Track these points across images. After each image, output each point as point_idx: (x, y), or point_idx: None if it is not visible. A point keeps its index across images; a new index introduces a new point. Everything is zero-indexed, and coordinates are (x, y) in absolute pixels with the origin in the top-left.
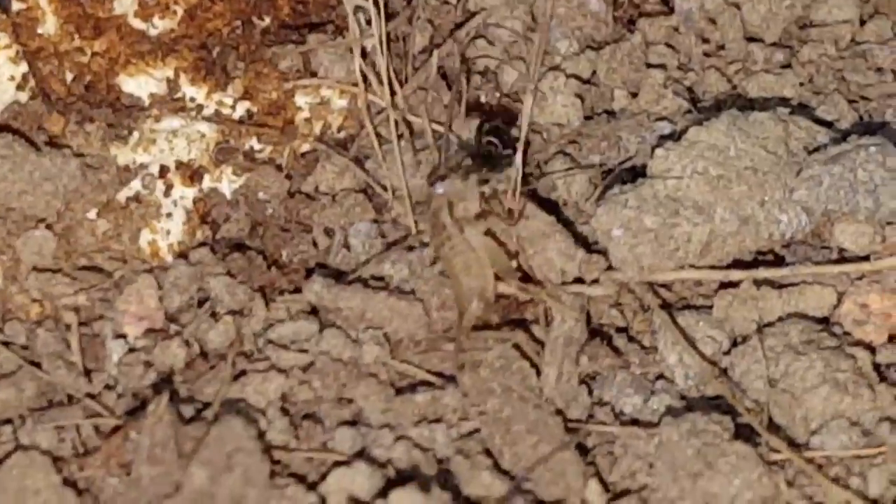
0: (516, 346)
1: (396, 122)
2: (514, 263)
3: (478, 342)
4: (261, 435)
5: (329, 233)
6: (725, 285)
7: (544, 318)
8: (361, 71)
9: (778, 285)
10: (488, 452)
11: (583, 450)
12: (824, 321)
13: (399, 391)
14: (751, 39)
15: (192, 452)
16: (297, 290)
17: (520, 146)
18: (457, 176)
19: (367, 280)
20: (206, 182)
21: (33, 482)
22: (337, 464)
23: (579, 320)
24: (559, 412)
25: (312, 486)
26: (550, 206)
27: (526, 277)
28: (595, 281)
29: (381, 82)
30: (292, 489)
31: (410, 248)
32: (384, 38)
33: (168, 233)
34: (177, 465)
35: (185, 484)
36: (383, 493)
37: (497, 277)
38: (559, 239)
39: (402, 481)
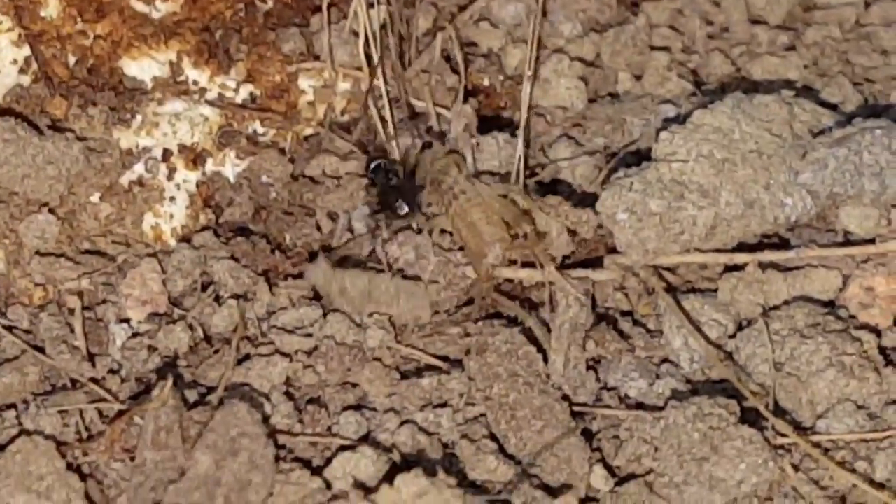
0: (523, 331)
1: (398, 105)
2: (527, 218)
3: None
4: (265, 419)
5: (333, 216)
6: (730, 269)
7: (549, 303)
8: (366, 53)
9: (783, 269)
10: (494, 437)
11: (588, 434)
12: (830, 304)
13: (404, 375)
14: (755, 22)
15: (197, 437)
16: (301, 275)
17: (520, 131)
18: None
19: (368, 263)
20: (210, 166)
21: (37, 467)
22: (342, 448)
23: (585, 305)
24: (565, 397)
25: (317, 471)
26: (554, 190)
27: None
28: (599, 264)
29: (384, 65)
30: (297, 473)
31: (419, 231)
32: (388, 21)
33: (171, 216)
34: (181, 449)
35: (190, 469)
36: (388, 477)
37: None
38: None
39: (407, 466)
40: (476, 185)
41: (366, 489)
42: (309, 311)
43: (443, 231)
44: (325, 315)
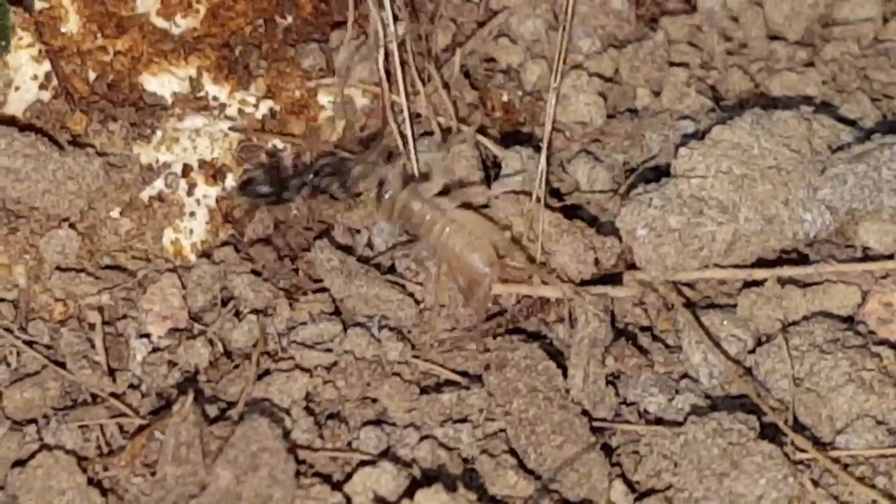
0: (542, 346)
1: (418, 120)
2: (507, 234)
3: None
4: (286, 434)
5: (352, 232)
6: (749, 284)
7: (569, 319)
8: (385, 70)
9: (802, 284)
10: (513, 452)
11: (607, 449)
12: (849, 320)
13: (424, 391)
14: (773, 38)
15: (218, 452)
16: (322, 290)
17: (544, 146)
18: (387, 169)
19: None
20: (230, 181)
21: (58, 482)
22: (362, 463)
23: (604, 321)
24: (585, 412)
25: (338, 486)
26: (571, 206)
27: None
28: (618, 280)
29: (404, 81)
30: (317, 489)
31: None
32: (407, 37)
33: (191, 232)
34: (202, 464)
35: (211, 484)
36: (409, 492)
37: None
38: (579, 238)
39: (427, 481)
40: (451, 212)
41: None
42: (329, 326)
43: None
44: (345, 330)
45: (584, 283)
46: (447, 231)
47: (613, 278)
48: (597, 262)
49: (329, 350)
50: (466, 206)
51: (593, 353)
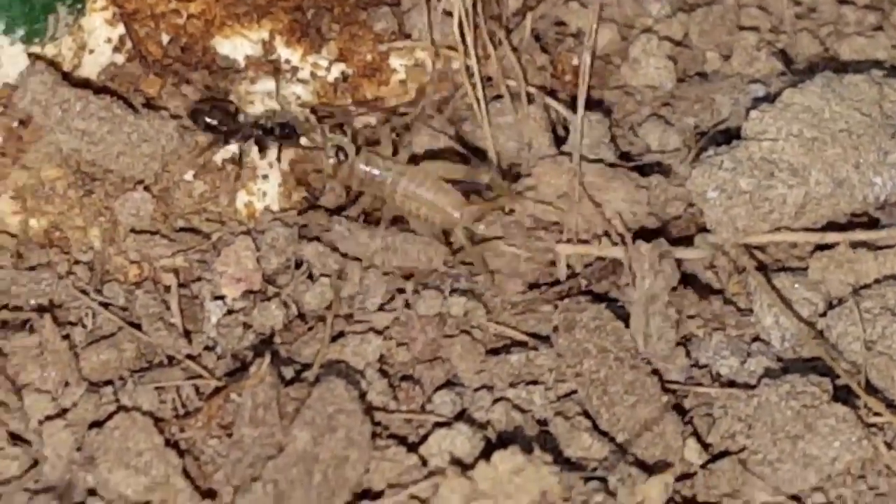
0: (610, 307)
1: (490, 84)
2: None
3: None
4: (361, 396)
5: None
6: (821, 247)
7: (631, 278)
8: (459, 32)
9: (874, 247)
10: (587, 414)
11: (681, 411)
12: None
13: (493, 352)
14: (842, 2)
15: (294, 413)
16: None
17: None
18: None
19: None
20: (304, 143)
21: (135, 443)
22: (437, 425)
23: (661, 275)
24: (655, 372)
25: (413, 448)
26: (641, 166)
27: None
28: (689, 242)
29: (475, 45)
30: (393, 450)
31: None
32: (478, 0)
33: (264, 194)
34: (279, 426)
35: (288, 445)
36: (485, 454)
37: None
38: (627, 181)
39: (502, 443)
40: (410, 167)
41: (462, 466)
42: (396, 288)
43: (395, 219)
44: (416, 291)
45: (647, 238)
46: (411, 185)
47: (685, 240)
48: (652, 209)
49: (399, 313)
50: (423, 158)
51: (653, 310)
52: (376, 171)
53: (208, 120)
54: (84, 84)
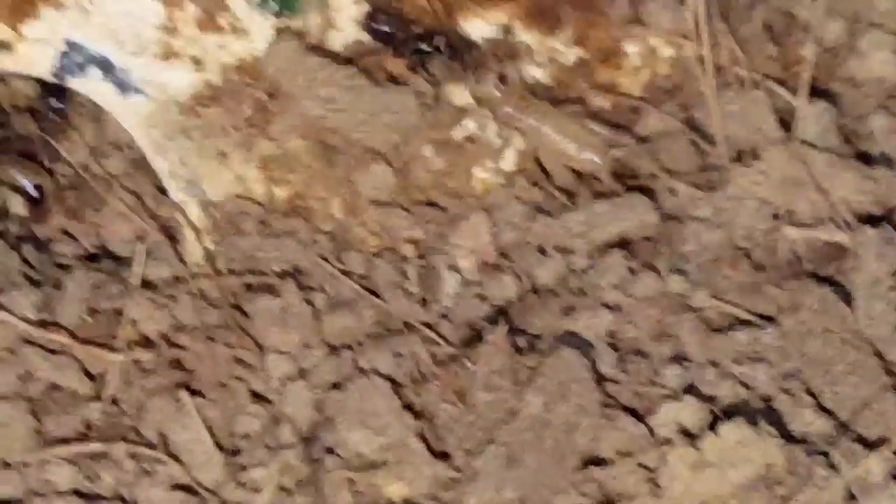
0: (835, 291)
1: (721, 73)
2: None
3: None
4: (592, 367)
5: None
6: None
7: (856, 262)
8: (693, 21)
9: None
10: (810, 392)
11: None
12: None
13: (718, 329)
14: None
15: (528, 381)
16: None
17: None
18: None
19: None
20: None
21: (374, 405)
22: (665, 398)
23: (887, 262)
24: (877, 353)
25: (641, 418)
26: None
27: None
28: None
29: (708, 33)
30: (623, 420)
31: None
32: None
33: (500, 172)
34: (512, 392)
35: (521, 410)
36: (711, 426)
37: None
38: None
39: (728, 417)
40: None
41: (690, 437)
42: (625, 266)
43: None
44: (643, 267)
45: (871, 224)
46: None
47: None
48: (877, 198)
49: (628, 289)
50: None
51: (875, 292)
52: None
53: (381, 27)
54: (329, 56)
